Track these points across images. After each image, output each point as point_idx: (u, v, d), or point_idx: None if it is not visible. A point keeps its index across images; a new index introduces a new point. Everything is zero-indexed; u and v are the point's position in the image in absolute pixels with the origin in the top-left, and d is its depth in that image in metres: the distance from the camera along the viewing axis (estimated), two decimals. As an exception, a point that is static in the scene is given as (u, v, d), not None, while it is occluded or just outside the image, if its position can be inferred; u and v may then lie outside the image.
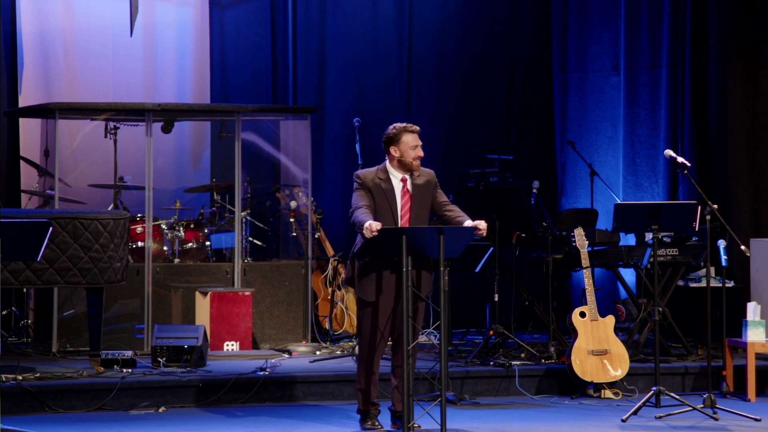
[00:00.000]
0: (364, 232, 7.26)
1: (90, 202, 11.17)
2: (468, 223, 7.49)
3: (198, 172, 12.05)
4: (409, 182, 7.62)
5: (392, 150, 7.61)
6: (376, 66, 12.48)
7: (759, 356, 9.21)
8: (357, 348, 7.87)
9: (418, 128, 7.66)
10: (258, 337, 10.50)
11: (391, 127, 7.67)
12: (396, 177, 7.62)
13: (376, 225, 7.24)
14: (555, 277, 10.17)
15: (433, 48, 12.59)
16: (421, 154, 7.62)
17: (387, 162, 7.66)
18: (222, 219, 11.07)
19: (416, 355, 7.74)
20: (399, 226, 7.48)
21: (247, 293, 10.32)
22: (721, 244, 8.83)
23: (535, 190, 10.39)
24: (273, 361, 9.34)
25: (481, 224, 7.43)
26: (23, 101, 11.44)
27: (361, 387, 7.66)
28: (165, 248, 10.72)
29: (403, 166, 7.61)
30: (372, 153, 10.46)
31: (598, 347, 8.98)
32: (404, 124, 7.66)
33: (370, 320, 7.55)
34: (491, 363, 9.35)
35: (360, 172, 7.68)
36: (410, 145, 7.59)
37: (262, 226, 11.52)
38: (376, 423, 7.68)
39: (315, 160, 11.57)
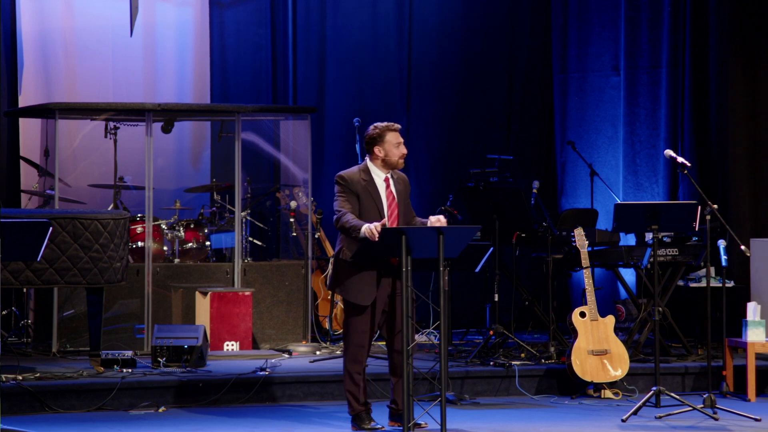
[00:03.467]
0: (366, 235, 7.22)
1: (90, 202, 11.17)
2: (431, 220, 7.44)
3: (198, 172, 12.05)
4: (391, 183, 7.61)
5: (377, 150, 7.59)
6: (376, 66, 12.49)
7: (759, 356, 9.21)
8: (343, 349, 7.81)
9: (399, 126, 7.67)
10: (258, 337, 10.50)
11: (372, 127, 7.66)
12: (379, 176, 7.60)
13: (379, 225, 7.23)
14: (555, 277, 10.17)
15: (433, 48, 12.59)
16: (405, 151, 7.63)
17: (368, 161, 7.64)
18: (222, 219, 11.07)
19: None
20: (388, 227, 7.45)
21: (247, 293, 10.32)
22: (721, 244, 8.83)
23: (535, 190, 10.38)
24: (273, 361, 9.34)
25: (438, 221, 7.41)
26: (23, 101, 11.45)
27: (352, 389, 7.62)
28: (165, 248, 10.72)
29: (387, 165, 7.60)
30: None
31: (598, 347, 8.98)
32: (386, 123, 7.64)
33: (358, 322, 7.53)
34: (491, 363, 9.35)
35: (344, 173, 7.61)
36: (394, 143, 7.59)
37: (262, 226, 11.52)
38: (375, 422, 7.66)
39: (315, 160, 11.57)
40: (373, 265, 7.47)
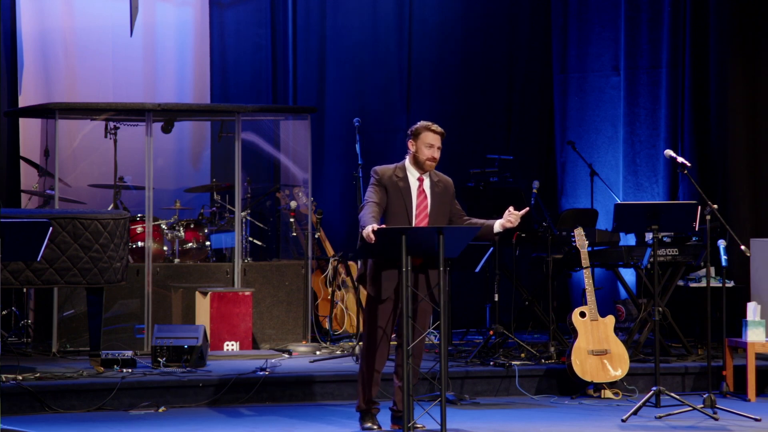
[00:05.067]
0: (363, 235, 7.24)
1: (90, 202, 11.17)
2: (497, 224, 7.49)
3: (198, 172, 12.06)
4: (426, 183, 7.60)
5: (410, 144, 7.61)
6: (376, 66, 12.49)
7: (759, 356, 9.21)
8: (360, 344, 7.84)
9: (442, 131, 7.63)
10: (258, 337, 10.50)
11: (419, 122, 7.68)
12: (413, 176, 7.60)
13: (374, 228, 7.22)
14: (555, 277, 10.17)
15: (433, 48, 12.59)
16: (435, 155, 7.58)
17: (406, 159, 7.64)
18: (222, 219, 11.07)
19: (422, 356, 7.74)
20: (414, 225, 7.46)
21: (247, 293, 10.32)
22: (721, 244, 8.83)
23: (535, 190, 10.38)
24: (273, 361, 9.34)
25: (512, 217, 7.45)
26: (23, 101, 11.45)
27: (364, 384, 7.64)
28: (165, 248, 10.72)
29: (417, 163, 7.59)
30: (372, 153, 10.48)
31: (598, 347, 8.98)
32: (429, 123, 7.64)
33: (378, 317, 7.52)
34: (491, 363, 9.35)
35: (378, 168, 7.63)
36: (426, 142, 7.57)
37: (262, 226, 11.52)
38: (375, 423, 7.66)
39: (315, 160, 11.57)
40: (395, 262, 7.43)
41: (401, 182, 7.55)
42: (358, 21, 12.49)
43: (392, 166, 7.64)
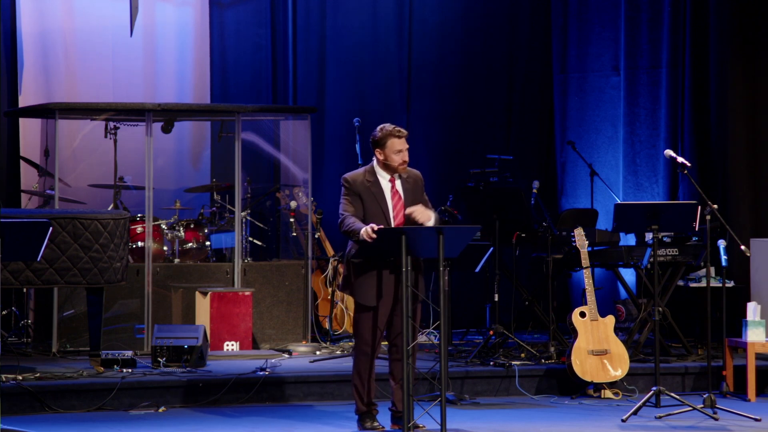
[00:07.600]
0: (364, 238, 7.23)
1: (90, 202, 11.17)
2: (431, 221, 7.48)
3: (198, 172, 12.05)
4: (397, 183, 7.60)
5: (377, 153, 7.58)
6: (376, 66, 12.49)
7: (759, 356, 9.21)
8: (353, 349, 7.85)
9: (405, 132, 7.57)
10: (258, 337, 10.50)
11: (378, 128, 7.59)
12: (384, 178, 7.59)
13: (374, 227, 7.22)
14: (555, 277, 10.17)
15: (433, 48, 12.59)
16: (406, 158, 7.55)
17: (374, 162, 7.63)
18: (222, 219, 11.07)
19: (415, 356, 7.75)
20: (392, 226, 7.46)
21: (247, 293, 10.32)
22: (721, 244, 8.83)
23: (535, 190, 10.38)
24: (273, 361, 9.34)
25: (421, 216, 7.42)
26: (23, 101, 11.45)
27: (359, 388, 7.64)
28: (165, 248, 10.72)
29: (388, 169, 7.58)
30: (372, 153, 10.48)
31: (598, 347, 8.98)
32: (391, 128, 7.56)
33: (367, 322, 7.53)
34: (491, 363, 9.35)
35: (348, 175, 7.61)
36: (395, 149, 7.53)
37: (262, 226, 11.53)
38: (376, 423, 7.67)
39: (315, 160, 11.57)
40: (382, 265, 7.45)
41: (373, 187, 7.53)
42: (358, 21, 12.49)
43: (361, 170, 7.62)
